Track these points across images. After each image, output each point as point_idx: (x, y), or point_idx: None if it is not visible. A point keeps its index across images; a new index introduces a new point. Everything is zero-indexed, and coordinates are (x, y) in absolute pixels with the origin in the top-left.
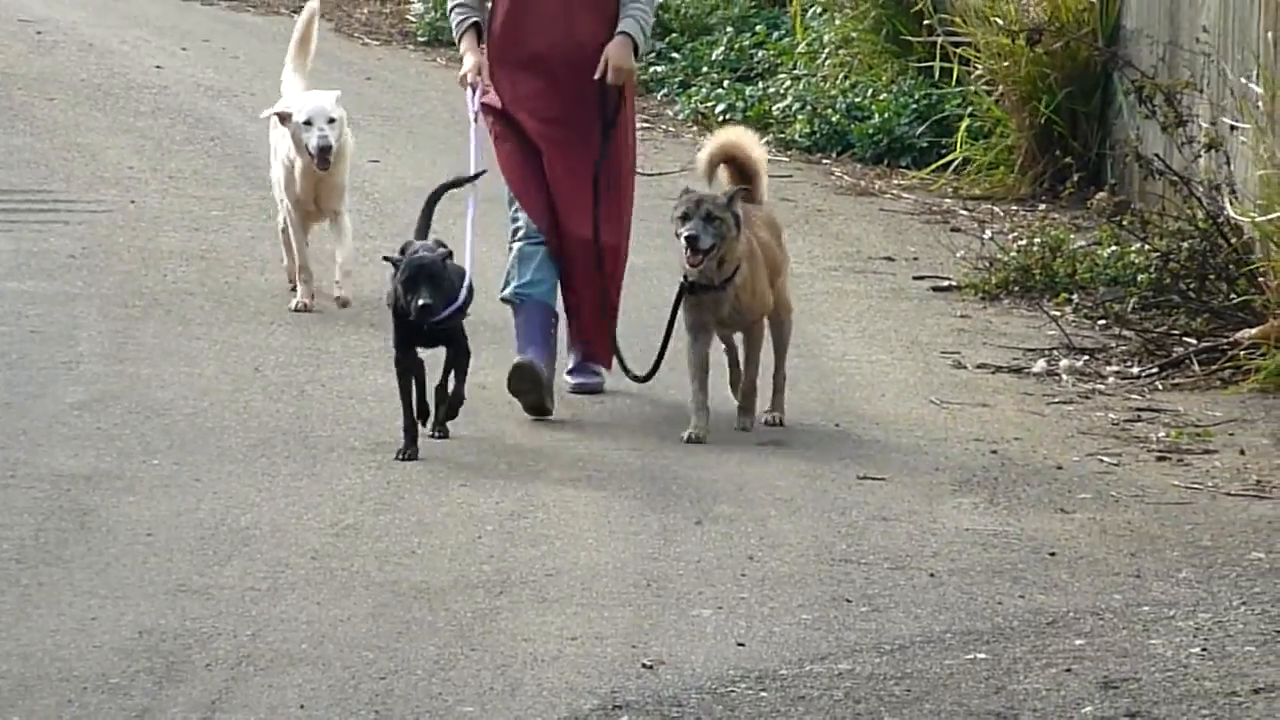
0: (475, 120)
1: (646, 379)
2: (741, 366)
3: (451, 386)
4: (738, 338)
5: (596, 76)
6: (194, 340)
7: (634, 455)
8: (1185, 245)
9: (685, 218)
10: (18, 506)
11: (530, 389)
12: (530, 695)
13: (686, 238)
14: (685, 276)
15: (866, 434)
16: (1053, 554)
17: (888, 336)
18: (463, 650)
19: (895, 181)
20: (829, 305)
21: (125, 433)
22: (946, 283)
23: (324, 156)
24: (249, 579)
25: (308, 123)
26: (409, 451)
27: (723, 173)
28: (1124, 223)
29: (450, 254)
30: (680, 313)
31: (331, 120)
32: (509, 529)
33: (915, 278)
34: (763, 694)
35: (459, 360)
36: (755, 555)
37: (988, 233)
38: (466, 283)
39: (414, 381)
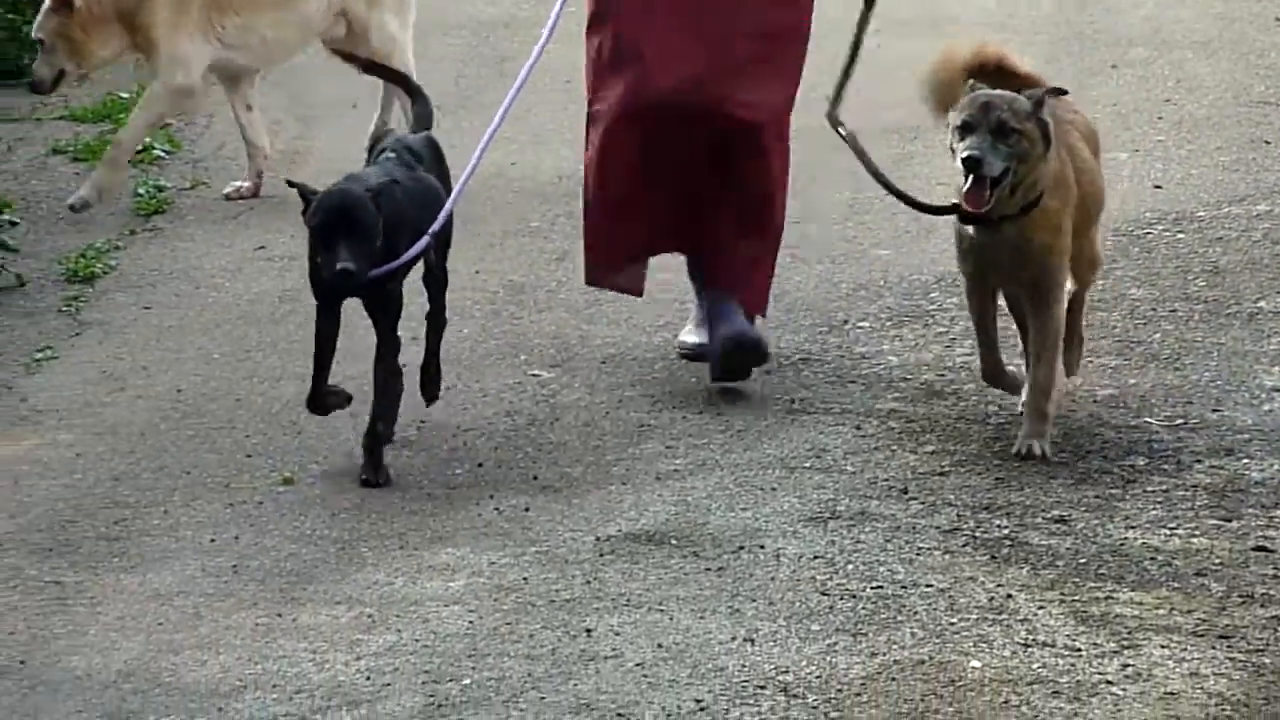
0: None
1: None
2: (1029, 353)
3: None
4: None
5: None
6: None
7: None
8: None
9: (967, 129)
10: (438, 54)
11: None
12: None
13: (965, 159)
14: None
15: None
16: None
17: None
18: None
19: None
20: None
21: None
22: None
23: None
24: None
25: None
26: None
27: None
28: None
29: (390, 184)
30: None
31: None
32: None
33: None
34: (1179, 235)
35: (395, 329)
36: (1172, 98)
37: None
38: (444, 214)
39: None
